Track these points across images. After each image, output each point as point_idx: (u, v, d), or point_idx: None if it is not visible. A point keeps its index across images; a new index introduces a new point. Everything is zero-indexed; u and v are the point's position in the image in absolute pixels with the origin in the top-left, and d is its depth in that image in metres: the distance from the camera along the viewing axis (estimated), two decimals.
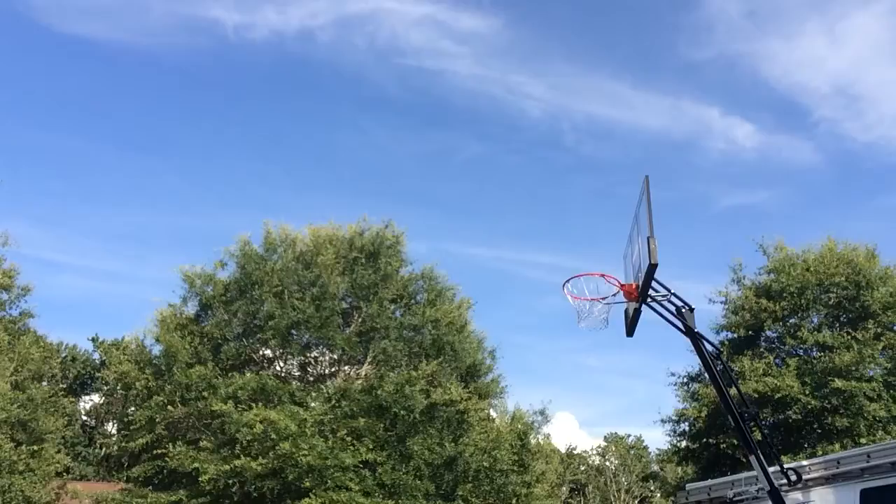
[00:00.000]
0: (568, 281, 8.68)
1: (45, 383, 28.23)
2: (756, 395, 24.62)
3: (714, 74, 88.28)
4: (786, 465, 9.32)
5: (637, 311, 8.21)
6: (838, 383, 24.21)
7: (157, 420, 22.71)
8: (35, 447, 24.58)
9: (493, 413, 27.46)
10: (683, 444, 30.04)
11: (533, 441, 27.66)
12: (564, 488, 57.29)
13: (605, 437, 65.37)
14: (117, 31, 79.76)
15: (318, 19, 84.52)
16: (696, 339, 8.21)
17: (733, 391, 8.76)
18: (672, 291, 8.07)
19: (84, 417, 47.60)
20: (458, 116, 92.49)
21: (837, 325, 27.01)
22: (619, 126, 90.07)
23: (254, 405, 21.76)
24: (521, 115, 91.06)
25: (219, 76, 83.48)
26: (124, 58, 75.94)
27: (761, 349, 27.60)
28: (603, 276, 8.49)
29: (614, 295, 8.46)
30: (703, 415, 27.22)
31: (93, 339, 48.27)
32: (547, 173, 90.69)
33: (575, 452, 63.05)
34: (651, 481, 60.40)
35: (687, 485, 14.50)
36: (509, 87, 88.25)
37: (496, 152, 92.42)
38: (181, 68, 78.88)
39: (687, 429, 29.21)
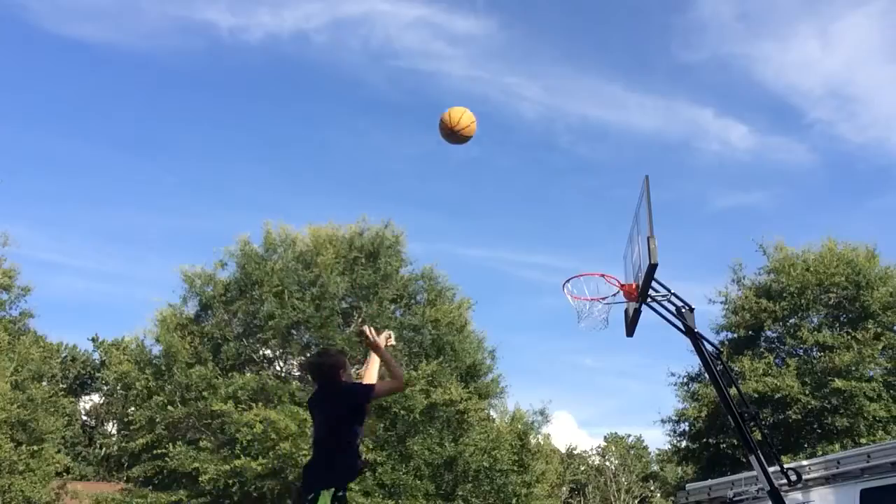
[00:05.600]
0: (568, 281, 8.67)
1: (45, 383, 28.24)
2: (756, 395, 24.62)
3: (707, 76, 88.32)
4: (786, 465, 9.30)
5: (637, 311, 8.20)
6: (838, 383, 24.20)
7: (157, 420, 22.71)
8: (35, 447, 24.58)
9: (493, 413, 27.48)
10: (683, 444, 30.02)
11: (533, 441, 27.67)
12: (564, 488, 57.27)
13: (605, 437, 65.31)
14: (112, 33, 79.69)
15: (312, 21, 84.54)
16: (696, 339, 8.19)
17: (733, 391, 8.75)
18: (672, 291, 8.06)
19: (84, 417, 47.59)
20: None
21: (837, 325, 27.00)
22: (614, 127, 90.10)
23: (254, 405, 21.76)
24: (515, 117, 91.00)
25: (214, 78, 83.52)
26: (120, 60, 75.95)
27: (761, 349, 27.58)
28: (603, 276, 8.48)
29: (614, 295, 8.44)
30: (703, 415, 27.21)
31: (93, 339, 48.33)
32: (542, 174, 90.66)
33: (575, 452, 63.03)
34: (651, 481, 60.40)
35: (687, 485, 14.48)
36: (503, 89, 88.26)
37: (491, 154, 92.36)
38: (177, 70, 78.85)
39: (687, 429, 29.19)
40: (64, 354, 44.66)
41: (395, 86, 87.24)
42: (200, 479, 21.23)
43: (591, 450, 64.87)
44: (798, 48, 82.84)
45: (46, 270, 70.06)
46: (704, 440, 28.23)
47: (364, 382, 5.80)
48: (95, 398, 48.68)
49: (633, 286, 8.22)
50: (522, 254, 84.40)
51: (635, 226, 8.29)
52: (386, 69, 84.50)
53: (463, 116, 6.96)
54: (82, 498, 24.99)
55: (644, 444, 63.47)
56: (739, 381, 22.61)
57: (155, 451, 22.63)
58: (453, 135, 7.02)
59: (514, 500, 24.56)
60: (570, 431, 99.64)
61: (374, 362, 5.91)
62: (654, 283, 7.85)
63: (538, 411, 26.92)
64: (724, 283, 29.41)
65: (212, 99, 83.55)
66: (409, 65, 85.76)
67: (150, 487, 23.31)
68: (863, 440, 23.32)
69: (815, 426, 25.99)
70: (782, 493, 8.50)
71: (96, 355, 47.43)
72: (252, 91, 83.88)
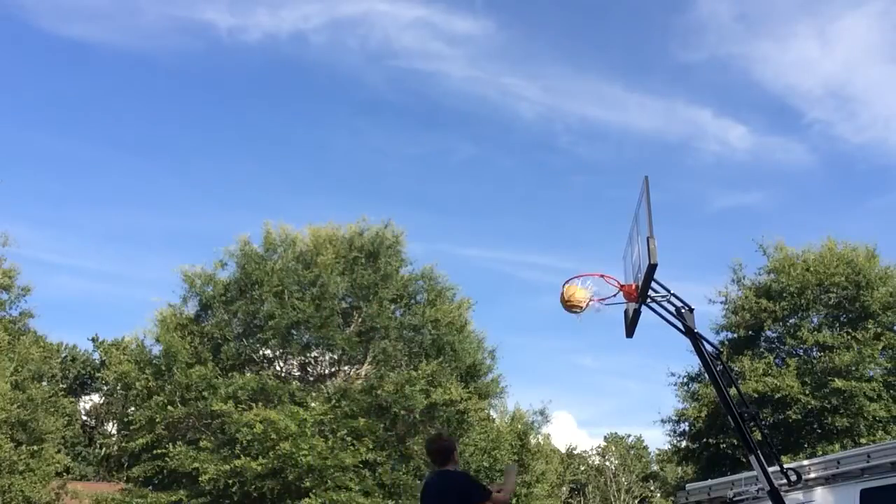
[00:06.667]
0: (568, 281, 8.64)
1: (45, 383, 28.24)
2: (756, 395, 24.62)
3: (706, 76, 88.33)
4: (786, 465, 9.27)
5: (637, 312, 8.17)
6: (838, 383, 24.22)
7: (157, 420, 22.70)
8: (35, 447, 24.59)
9: (493, 413, 27.49)
10: (683, 444, 30.04)
11: (533, 441, 27.69)
12: (564, 488, 57.27)
13: (605, 437, 65.35)
14: (111, 33, 79.76)
15: (311, 22, 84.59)
16: (696, 339, 8.17)
17: (733, 391, 8.75)
18: (672, 292, 8.03)
19: (84, 417, 47.59)
20: (451, 118, 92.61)
21: (837, 325, 27.00)
22: (613, 128, 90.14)
23: (254, 405, 21.76)
24: (514, 117, 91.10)
25: (213, 78, 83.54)
26: (119, 60, 75.97)
27: (761, 349, 27.60)
28: (602, 276, 8.44)
29: (614, 295, 8.42)
30: (703, 415, 27.22)
31: (93, 339, 48.37)
32: (541, 175, 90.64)
33: (575, 452, 63.05)
34: (651, 481, 60.42)
35: (687, 485, 14.46)
36: (502, 89, 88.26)
37: (490, 154, 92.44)
38: (176, 70, 78.94)
39: (687, 429, 29.21)
40: (64, 354, 44.66)
41: (394, 86, 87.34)
42: (200, 479, 21.22)
43: (591, 450, 64.96)
44: (797, 48, 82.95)
45: (46, 270, 70.18)
46: (704, 440, 28.24)
47: (487, 486, 6.43)
48: (95, 398, 48.73)
49: (633, 286, 8.19)
50: (522, 254, 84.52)
51: (635, 226, 8.27)
52: (385, 69, 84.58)
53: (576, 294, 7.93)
54: (82, 498, 24.97)
55: (644, 444, 63.55)
56: (739, 381, 22.61)
57: (155, 451, 22.62)
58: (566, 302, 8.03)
59: (514, 500, 24.54)
60: (570, 431, 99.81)
61: (511, 475, 6.94)
62: (653, 284, 7.83)
63: (538, 411, 26.95)
64: (724, 283, 29.46)
65: (211, 99, 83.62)
66: (408, 65, 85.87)
67: (150, 487, 23.30)
68: (863, 440, 23.33)
69: (815, 426, 26.01)
70: (782, 493, 8.49)
71: (96, 355, 47.46)
72: (251, 91, 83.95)
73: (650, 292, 7.90)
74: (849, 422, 24.49)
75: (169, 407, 22.58)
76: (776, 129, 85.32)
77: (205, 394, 22.46)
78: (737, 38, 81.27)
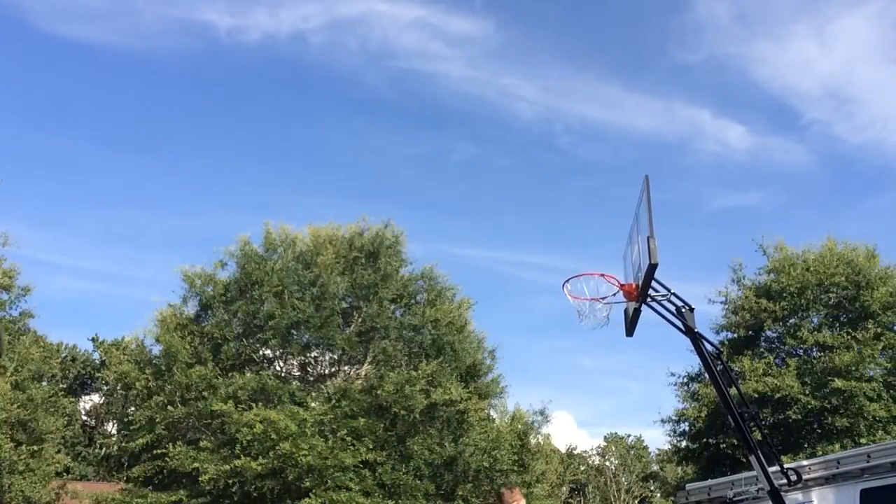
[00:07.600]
0: (568, 281, 8.65)
1: (45, 383, 28.22)
2: (756, 395, 24.63)
3: (705, 77, 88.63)
4: (786, 465, 9.28)
5: (637, 311, 8.18)
6: (838, 383, 24.23)
7: (157, 420, 22.67)
8: (35, 447, 24.57)
9: (493, 413, 27.45)
10: (683, 444, 30.05)
11: (533, 441, 27.65)
12: (564, 488, 57.28)
13: (605, 437, 65.39)
14: (110, 34, 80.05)
15: (310, 22, 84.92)
16: (696, 339, 8.18)
17: (733, 391, 8.75)
18: (672, 291, 8.04)
19: (84, 417, 47.63)
20: (451, 118, 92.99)
21: (837, 325, 27.01)
22: (612, 128, 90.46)
23: (254, 405, 21.75)
24: (513, 118, 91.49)
25: (212, 78, 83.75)
26: (118, 60, 76.20)
27: (761, 349, 27.61)
28: (603, 275, 8.46)
29: (614, 295, 8.43)
30: (703, 415, 27.23)
31: (93, 339, 48.41)
32: (541, 175, 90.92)
33: (575, 452, 63.05)
34: (651, 481, 60.45)
35: (687, 485, 14.47)
36: (501, 90, 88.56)
37: (490, 154, 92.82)
38: (175, 71, 79.17)
39: (687, 429, 29.21)
40: (64, 354, 44.67)
41: (393, 86, 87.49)
42: (200, 479, 21.20)
43: (591, 450, 64.99)
44: (795, 49, 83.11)
45: (46, 270, 70.33)
46: (704, 440, 28.26)
47: None
48: (95, 398, 48.77)
49: (633, 286, 8.20)
50: (522, 254, 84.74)
51: (635, 225, 8.28)
52: (384, 70, 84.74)
53: None
54: (82, 498, 24.95)
55: (644, 444, 63.56)
56: (739, 381, 22.63)
57: (155, 451, 22.59)
58: None
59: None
60: (570, 431, 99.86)
61: None
62: (654, 283, 7.83)
63: (538, 411, 26.86)
64: (724, 283, 29.48)
65: (211, 99, 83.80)
66: (407, 65, 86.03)
67: (150, 487, 23.27)
68: (863, 440, 23.34)
69: (815, 426, 26.02)
70: (782, 493, 8.50)
71: (96, 355, 47.49)
72: (251, 91, 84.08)
73: (650, 291, 7.91)
74: (849, 422, 24.50)
75: (169, 407, 22.56)
76: (775, 129, 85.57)
77: (205, 394, 22.44)
78: (735, 38, 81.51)
